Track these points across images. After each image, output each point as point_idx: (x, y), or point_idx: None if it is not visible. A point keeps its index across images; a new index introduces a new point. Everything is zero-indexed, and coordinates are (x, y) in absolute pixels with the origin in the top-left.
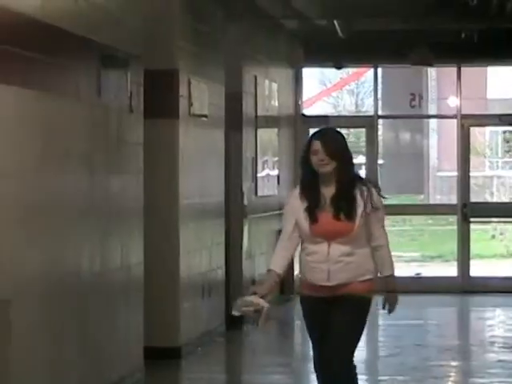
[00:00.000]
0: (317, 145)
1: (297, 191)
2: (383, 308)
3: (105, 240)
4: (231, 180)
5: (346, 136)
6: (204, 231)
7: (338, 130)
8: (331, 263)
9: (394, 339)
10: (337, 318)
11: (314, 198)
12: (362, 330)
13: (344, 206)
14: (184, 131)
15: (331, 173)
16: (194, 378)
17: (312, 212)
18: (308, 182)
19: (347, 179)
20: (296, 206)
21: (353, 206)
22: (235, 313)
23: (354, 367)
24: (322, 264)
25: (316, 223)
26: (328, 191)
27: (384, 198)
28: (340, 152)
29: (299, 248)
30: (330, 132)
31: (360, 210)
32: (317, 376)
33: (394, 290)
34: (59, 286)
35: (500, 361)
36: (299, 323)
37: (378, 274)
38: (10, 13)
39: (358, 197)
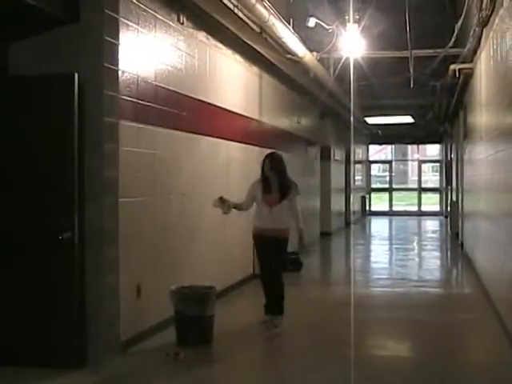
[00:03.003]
0: (267, 162)
1: (256, 181)
2: (299, 243)
3: (308, 198)
4: (347, 179)
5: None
6: (339, 197)
7: (280, 153)
8: (271, 216)
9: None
10: (272, 249)
11: (266, 186)
12: (285, 253)
13: (282, 192)
14: (332, 165)
15: (274, 177)
16: (337, 241)
17: (267, 191)
18: (263, 178)
19: (283, 180)
20: (255, 187)
21: (286, 192)
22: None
23: (281, 275)
24: (266, 217)
25: (268, 197)
26: (274, 184)
27: (299, 193)
28: (277, 167)
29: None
30: (273, 155)
31: (288, 194)
32: (261, 278)
33: (302, 234)
34: None
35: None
36: None
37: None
38: (282, 130)
39: (290, 188)
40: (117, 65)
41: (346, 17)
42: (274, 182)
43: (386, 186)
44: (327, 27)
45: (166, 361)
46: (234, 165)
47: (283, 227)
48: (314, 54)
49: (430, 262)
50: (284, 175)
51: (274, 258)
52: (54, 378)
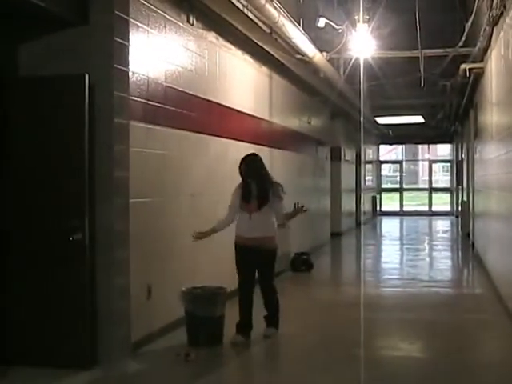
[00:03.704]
0: (243, 167)
1: (237, 186)
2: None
3: (318, 199)
4: (357, 179)
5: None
6: (350, 197)
7: (257, 155)
8: (252, 224)
9: None
10: (259, 262)
11: (246, 192)
12: (274, 265)
13: (261, 199)
14: (343, 166)
15: (253, 182)
16: (347, 241)
17: (245, 199)
18: (242, 184)
19: (263, 186)
20: (236, 193)
21: (266, 199)
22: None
23: (275, 287)
24: (247, 224)
25: (247, 205)
26: (253, 191)
27: (284, 193)
28: (255, 171)
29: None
30: (250, 158)
31: (270, 200)
32: (239, 290)
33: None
34: (305, 213)
35: None
36: None
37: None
38: (292, 131)
39: (270, 194)
40: (127, 66)
41: (356, 17)
42: (254, 187)
43: (397, 186)
44: (337, 27)
45: (176, 361)
46: None
47: (266, 235)
48: (324, 54)
49: (441, 262)
50: (263, 180)
51: (265, 271)
52: (64, 379)
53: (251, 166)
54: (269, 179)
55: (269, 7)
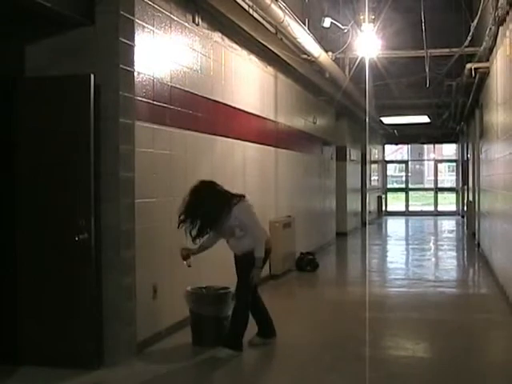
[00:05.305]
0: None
1: None
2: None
3: (324, 199)
4: (363, 179)
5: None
6: (355, 197)
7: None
8: (229, 245)
9: None
10: (236, 268)
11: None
12: (246, 270)
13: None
14: (348, 165)
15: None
16: (353, 241)
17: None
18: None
19: (215, 222)
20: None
21: (230, 231)
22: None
23: (241, 297)
24: (228, 244)
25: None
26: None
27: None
28: (196, 211)
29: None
30: (191, 199)
31: (234, 228)
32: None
33: (257, 267)
34: (310, 213)
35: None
36: None
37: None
38: (298, 130)
39: (232, 222)
40: (132, 66)
41: (362, 16)
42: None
43: (403, 185)
44: (342, 27)
45: (182, 361)
46: (250, 165)
47: (243, 251)
48: (330, 54)
49: (447, 262)
50: (210, 219)
51: (238, 276)
52: (70, 378)
53: (191, 206)
54: (220, 208)
55: (274, 7)
